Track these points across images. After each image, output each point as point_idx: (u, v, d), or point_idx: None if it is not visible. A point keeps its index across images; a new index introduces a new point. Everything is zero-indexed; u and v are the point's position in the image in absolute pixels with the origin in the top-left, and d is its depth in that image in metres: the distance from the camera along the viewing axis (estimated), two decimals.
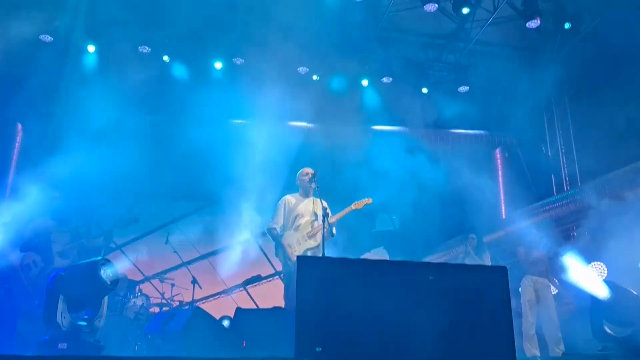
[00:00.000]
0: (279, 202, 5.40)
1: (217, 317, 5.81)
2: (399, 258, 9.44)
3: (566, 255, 5.66)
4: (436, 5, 7.13)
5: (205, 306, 8.20)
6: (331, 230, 5.03)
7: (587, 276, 5.29)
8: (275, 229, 5.26)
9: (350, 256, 7.22)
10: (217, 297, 8.78)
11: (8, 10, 7.10)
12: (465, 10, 7.34)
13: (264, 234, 8.65)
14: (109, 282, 4.06)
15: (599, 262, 5.74)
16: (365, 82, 8.78)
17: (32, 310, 5.60)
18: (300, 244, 5.12)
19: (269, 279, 8.90)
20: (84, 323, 4.01)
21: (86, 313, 4.16)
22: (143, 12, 7.68)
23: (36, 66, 7.75)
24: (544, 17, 7.51)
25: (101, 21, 7.84)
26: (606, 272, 5.60)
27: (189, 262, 8.71)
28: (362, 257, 8.50)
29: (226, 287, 8.83)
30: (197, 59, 8.53)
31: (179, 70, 8.52)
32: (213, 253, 8.97)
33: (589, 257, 6.04)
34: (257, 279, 9.02)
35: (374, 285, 3.07)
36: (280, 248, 5.23)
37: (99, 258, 4.18)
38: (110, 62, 8.06)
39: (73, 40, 7.90)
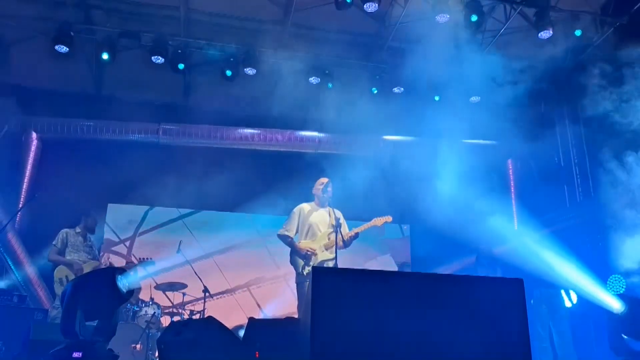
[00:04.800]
0: (294, 210, 5.46)
1: (225, 321, 5.85)
2: (406, 268, 9.42)
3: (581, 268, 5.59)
4: (448, 16, 7.16)
5: (209, 305, 8.16)
6: (349, 242, 5.07)
7: (602, 289, 5.22)
8: (287, 235, 5.30)
9: (357, 263, 7.19)
10: (219, 296, 8.76)
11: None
12: (474, 19, 7.36)
13: (267, 235, 8.69)
14: (125, 291, 4.06)
15: (617, 275, 5.67)
16: (375, 92, 8.78)
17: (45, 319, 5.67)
18: (316, 255, 5.13)
19: (272, 281, 8.90)
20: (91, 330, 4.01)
21: (97, 321, 4.16)
22: None
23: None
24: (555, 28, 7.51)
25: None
26: (624, 285, 5.53)
27: (193, 261, 8.70)
28: (368, 264, 8.54)
29: (229, 287, 8.82)
30: None
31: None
32: (218, 252, 8.96)
33: (607, 269, 5.97)
34: (261, 280, 9.02)
35: (390, 297, 3.04)
36: (296, 256, 5.24)
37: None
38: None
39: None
